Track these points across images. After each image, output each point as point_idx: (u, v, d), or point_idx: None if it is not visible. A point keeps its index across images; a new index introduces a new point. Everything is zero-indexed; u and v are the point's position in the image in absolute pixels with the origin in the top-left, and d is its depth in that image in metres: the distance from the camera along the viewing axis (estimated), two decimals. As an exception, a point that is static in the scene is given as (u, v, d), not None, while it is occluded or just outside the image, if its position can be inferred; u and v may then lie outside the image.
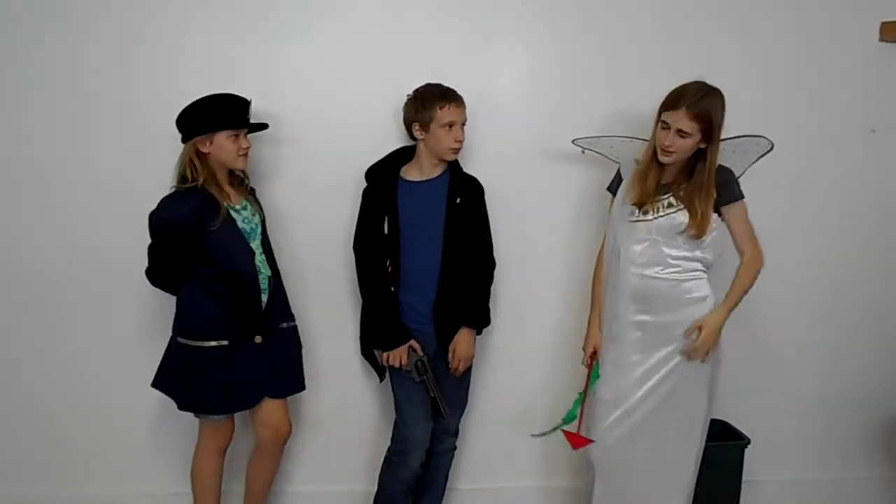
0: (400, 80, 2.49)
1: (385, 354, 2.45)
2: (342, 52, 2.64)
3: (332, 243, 2.67)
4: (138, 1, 2.55)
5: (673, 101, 2.17)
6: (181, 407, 2.36)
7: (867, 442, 3.04)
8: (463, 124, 2.42)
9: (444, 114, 2.37)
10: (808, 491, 2.98)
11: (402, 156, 2.51)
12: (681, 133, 2.16)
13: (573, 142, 2.52)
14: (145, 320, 2.63)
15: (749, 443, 2.73)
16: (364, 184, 2.52)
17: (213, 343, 2.27)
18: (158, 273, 2.32)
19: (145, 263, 2.32)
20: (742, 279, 2.28)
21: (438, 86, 2.41)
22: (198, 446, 2.44)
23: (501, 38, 2.70)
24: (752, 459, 2.78)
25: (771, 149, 2.33)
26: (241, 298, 2.29)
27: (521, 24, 2.69)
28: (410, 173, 2.49)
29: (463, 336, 2.48)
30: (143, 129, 2.57)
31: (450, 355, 2.48)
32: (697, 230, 2.21)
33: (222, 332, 2.28)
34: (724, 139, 2.26)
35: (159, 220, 2.23)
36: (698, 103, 2.13)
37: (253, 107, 2.34)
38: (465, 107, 2.43)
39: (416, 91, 2.43)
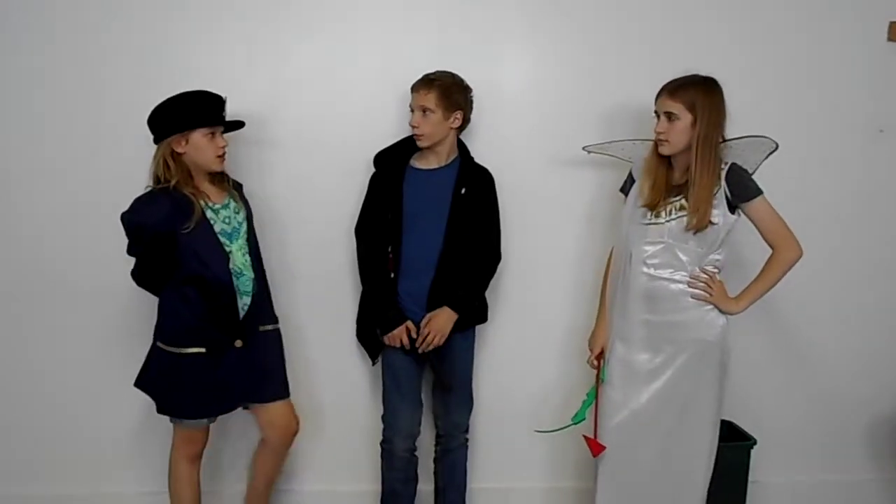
0: (405, 80, 2.49)
1: (384, 337, 2.45)
2: (346, 51, 2.63)
3: (334, 239, 2.67)
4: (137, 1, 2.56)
5: (659, 91, 2.22)
6: (159, 410, 2.33)
7: (874, 443, 3.03)
8: (424, 111, 2.37)
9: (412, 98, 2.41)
10: (814, 492, 2.98)
11: (413, 144, 2.48)
12: (668, 116, 2.18)
13: (584, 148, 2.53)
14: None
15: (755, 443, 2.73)
16: (370, 173, 2.51)
17: (190, 350, 2.22)
18: (140, 274, 2.29)
19: (126, 264, 2.28)
20: (770, 272, 2.25)
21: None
22: (172, 453, 2.38)
23: (509, 36, 2.69)
24: (759, 460, 2.77)
25: (776, 148, 2.32)
26: (215, 304, 2.22)
27: (528, 21, 2.68)
28: (420, 161, 2.48)
29: (443, 314, 2.42)
30: (134, 129, 2.49)
31: (422, 325, 2.43)
32: (692, 220, 2.17)
33: (199, 339, 2.22)
34: (731, 139, 2.25)
35: (128, 223, 2.18)
36: (679, 85, 2.18)
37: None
38: (424, 91, 2.37)
39: None
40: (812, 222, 2.68)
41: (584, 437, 2.37)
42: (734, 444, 2.70)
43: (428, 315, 2.43)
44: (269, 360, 2.38)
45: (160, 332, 2.28)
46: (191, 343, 2.22)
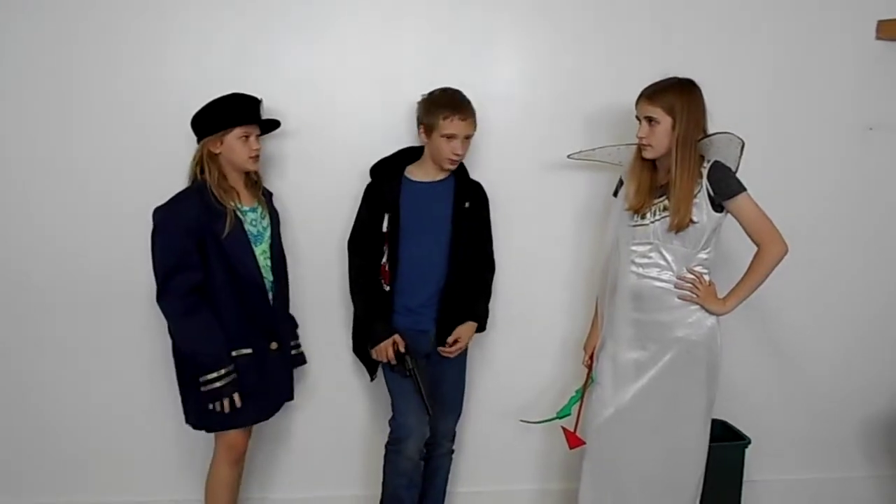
0: (392, 87, 2.49)
1: (372, 350, 2.44)
2: (332, 57, 2.60)
3: (327, 246, 2.64)
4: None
5: (638, 96, 2.23)
6: (207, 427, 2.31)
7: (868, 441, 3.04)
8: (467, 138, 2.39)
9: (446, 125, 2.33)
10: (808, 490, 2.98)
11: (409, 155, 2.48)
12: (649, 120, 2.18)
13: (569, 156, 2.52)
14: (145, 327, 2.58)
15: (749, 442, 2.73)
16: (367, 179, 2.49)
17: (238, 353, 2.24)
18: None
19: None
20: (756, 270, 2.23)
21: (452, 94, 2.37)
22: (214, 457, 2.38)
23: (499, 39, 2.67)
24: (753, 459, 2.78)
25: (743, 144, 2.25)
26: (249, 303, 2.26)
27: (521, 27, 2.67)
28: (416, 173, 2.46)
29: (468, 328, 2.49)
30: (140, 130, 2.54)
31: (449, 339, 2.46)
32: (673, 221, 2.17)
33: (244, 340, 2.25)
34: (704, 137, 2.23)
35: (158, 221, 2.20)
36: (657, 90, 2.19)
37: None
38: (472, 120, 2.37)
39: (431, 93, 2.39)
40: (802, 221, 2.70)
41: (563, 428, 2.38)
42: (729, 443, 2.70)
43: (455, 333, 2.46)
44: (288, 368, 2.45)
45: None
46: (237, 344, 2.24)
